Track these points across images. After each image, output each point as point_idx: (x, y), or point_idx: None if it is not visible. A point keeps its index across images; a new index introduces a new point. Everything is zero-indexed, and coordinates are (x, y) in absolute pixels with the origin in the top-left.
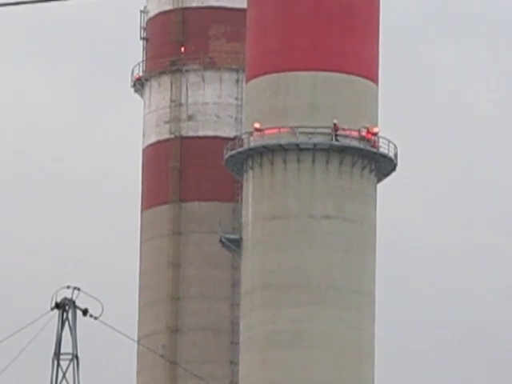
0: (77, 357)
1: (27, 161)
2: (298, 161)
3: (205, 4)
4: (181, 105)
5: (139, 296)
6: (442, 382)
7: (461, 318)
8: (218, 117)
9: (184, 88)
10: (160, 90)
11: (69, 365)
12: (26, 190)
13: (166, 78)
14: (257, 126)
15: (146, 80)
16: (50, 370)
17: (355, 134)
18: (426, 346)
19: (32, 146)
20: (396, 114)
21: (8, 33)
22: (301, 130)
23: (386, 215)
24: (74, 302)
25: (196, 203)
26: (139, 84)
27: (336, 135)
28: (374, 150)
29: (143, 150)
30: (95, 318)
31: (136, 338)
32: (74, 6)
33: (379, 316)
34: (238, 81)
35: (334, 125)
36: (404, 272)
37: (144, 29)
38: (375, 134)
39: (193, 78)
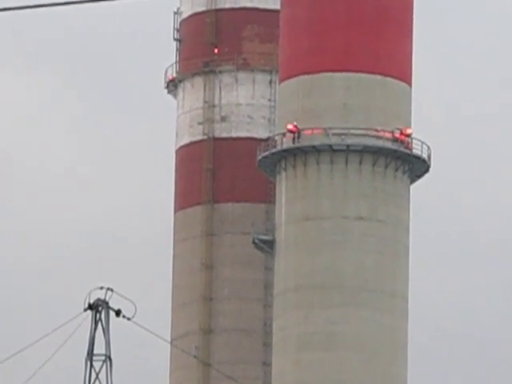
0: (110, 358)
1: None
2: (332, 162)
3: (238, 5)
4: (214, 106)
5: (172, 297)
6: (473, 383)
7: (491, 319)
8: (251, 118)
9: (217, 89)
10: (193, 91)
11: (102, 366)
12: (61, 190)
13: (199, 79)
14: (290, 127)
15: (180, 81)
16: (83, 370)
17: (389, 135)
18: (459, 347)
19: (48, 145)
20: (429, 115)
21: (33, 33)
22: (334, 131)
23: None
24: (107, 303)
25: (229, 204)
26: (173, 85)
27: (297, 137)
28: (408, 152)
29: (176, 151)
30: (128, 319)
31: (169, 339)
32: (107, 7)
33: (412, 317)
34: (271, 82)
35: (294, 126)
36: (438, 272)
37: (177, 30)
38: (408, 136)
39: (226, 79)
